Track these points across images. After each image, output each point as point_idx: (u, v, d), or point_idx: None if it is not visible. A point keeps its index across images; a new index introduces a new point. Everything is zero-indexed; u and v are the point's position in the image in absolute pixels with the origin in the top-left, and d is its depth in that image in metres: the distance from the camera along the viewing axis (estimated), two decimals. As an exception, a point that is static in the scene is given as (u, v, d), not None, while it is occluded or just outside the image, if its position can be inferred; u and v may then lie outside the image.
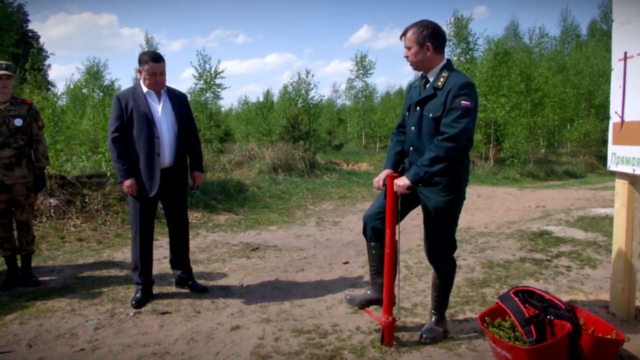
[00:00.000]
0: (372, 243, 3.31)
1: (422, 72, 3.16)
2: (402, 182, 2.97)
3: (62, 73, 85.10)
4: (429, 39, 3.01)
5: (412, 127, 3.13)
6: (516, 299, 3.04)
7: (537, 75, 22.82)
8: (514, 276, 4.56)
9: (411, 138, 3.16)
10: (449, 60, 3.12)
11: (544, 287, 4.19)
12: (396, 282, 3.14)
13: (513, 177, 18.72)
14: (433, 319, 3.29)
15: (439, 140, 2.91)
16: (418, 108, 3.10)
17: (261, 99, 29.31)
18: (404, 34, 3.11)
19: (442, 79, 2.99)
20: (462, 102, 2.87)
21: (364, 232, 3.38)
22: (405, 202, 3.17)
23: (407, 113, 3.24)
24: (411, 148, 3.15)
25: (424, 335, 3.18)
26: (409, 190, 2.98)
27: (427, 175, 2.90)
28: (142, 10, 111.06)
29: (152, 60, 3.88)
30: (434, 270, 3.22)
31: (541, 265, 4.93)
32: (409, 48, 3.08)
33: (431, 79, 3.08)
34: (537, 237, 6.19)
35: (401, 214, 3.15)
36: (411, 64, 3.13)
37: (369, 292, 3.39)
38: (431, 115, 3.00)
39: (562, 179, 19.98)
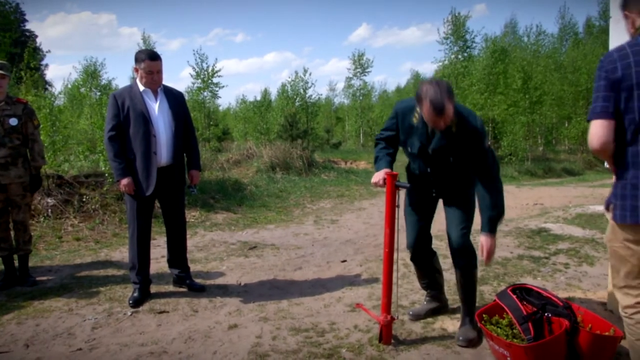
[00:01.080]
0: (421, 266, 3.56)
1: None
2: (490, 241, 2.99)
3: (60, 73, 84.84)
4: (453, 94, 2.83)
5: (429, 169, 3.19)
6: (514, 296, 3.03)
7: (537, 73, 22.83)
8: (512, 274, 4.56)
9: (431, 180, 3.24)
10: None
11: (542, 284, 4.18)
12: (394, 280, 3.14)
13: (511, 175, 18.73)
14: (467, 322, 3.25)
15: (487, 183, 2.97)
16: (431, 150, 3.09)
17: (259, 98, 29.32)
18: (441, 112, 2.75)
19: (454, 125, 2.93)
20: (484, 144, 2.96)
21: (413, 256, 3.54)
22: (427, 210, 3.38)
23: (415, 153, 3.18)
24: (434, 192, 3.28)
25: (460, 338, 3.16)
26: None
27: (501, 217, 3.00)
28: (142, 9, 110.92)
29: (149, 59, 3.86)
30: (460, 271, 3.22)
31: (539, 262, 4.93)
32: (447, 119, 2.82)
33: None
34: (535, 234, 6.19)
35: (426, 221, 3.40)
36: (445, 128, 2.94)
37: (425, 302, 3.67)
38: (452, 159, 3.07)
39: (560, 177, 19.99)
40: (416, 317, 3.54)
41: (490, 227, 2.98)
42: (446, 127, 2.91)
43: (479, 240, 3.01)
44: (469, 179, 3.14)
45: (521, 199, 10.17)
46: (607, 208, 2.40)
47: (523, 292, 3.08)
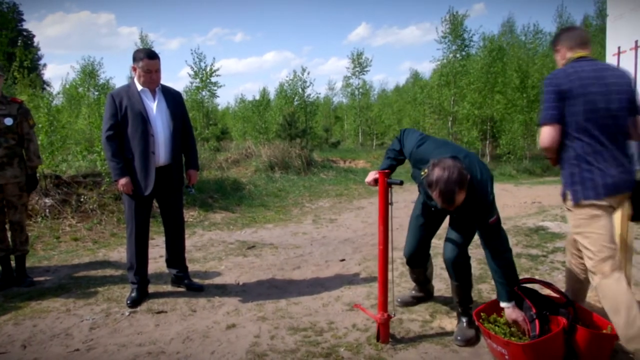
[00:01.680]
0: (415, 269, 3.71)
1: None
2: (516, 312, 2.93)
3: (59, 72, 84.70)
4: (466, 183, 2.73)
5: (432, 208, 3.29)
6: (522, 294, 3.03)
7: (534, 71, 22.79)
8: (510, 272, 4.55)
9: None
10: None
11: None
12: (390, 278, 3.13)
13: (509, 174, 18.70)
14: (464, 321, 3.26)
15: (497, 257, 2.94)
16: (435, 209, 3.28)
17: (257, 97, 29.25)
18: (450, 201, 2.71)
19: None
20: (491, 220, 2.89)
21: (409, 263, 3.68)
22: (434, 221, 3.46)
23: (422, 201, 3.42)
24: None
25: (458, 337, 3.15)
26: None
27: (515, 282, 3.01)
28: (141, 9, 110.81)
29: (147, 57, 3.85)
30: (454, 282, 3.24)
31: (537, 260, 4.93)
32: (457, 205, 2.78)
33: None
34: (533, 232, 6.19)
35: (429, 232, 3.49)
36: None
37: (413, 292, 3.88)
38: (455, 214, 3.15)
39: (558, 175, 19.87)
40: (403, 304, 3.75)
41: (509, 297, 2.95)
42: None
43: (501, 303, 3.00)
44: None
45: (519, 197, 10.17)
46: (564, 199, 2.97)
47: (525, 290, 3.09)
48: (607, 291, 2.68)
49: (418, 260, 3.60)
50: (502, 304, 2.97)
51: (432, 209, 3.31)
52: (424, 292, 3.87)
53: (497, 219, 2.94)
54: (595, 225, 2.76)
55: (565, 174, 2.92)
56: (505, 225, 6.49)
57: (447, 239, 3.22)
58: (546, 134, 2.84)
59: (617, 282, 2.66)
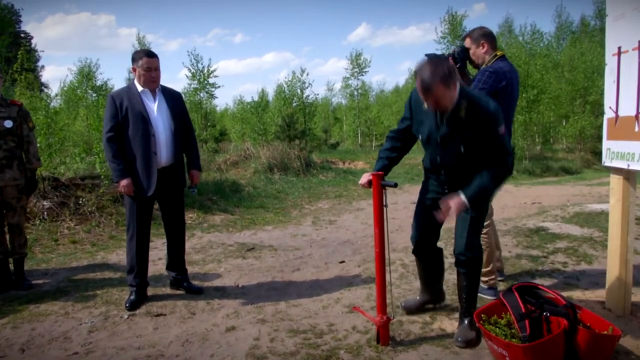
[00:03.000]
0: (421, 261, 3.55)
1: None
2: (458, 200, 2.88)
3: (59, 74, 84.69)
4: (452, 78, 2.76)
5: (438, 158, 3.08)
6: (517, 294, 3.03)
7: (534, 71, 22.82)
8: (510, 273, 4.55)
9: (445, 171, 3.11)
10: (426, 56, 2.98)
11: (540, 283, 4.18)
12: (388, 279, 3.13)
13: (509, 174, 18.75)
14: (465, 322, 3.22)
15: (495, 165, 2.90)
16: (440, 139, 3.00)
17: (256, 99, 29.26)
18: (428, 91, 2.75)
19: (463, 109, 2.86)
20: (500, 130, 2.84)
21: (414, 251, 3.54)
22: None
23: (427, 141, 3.10)
24: (446, 186, 3.13)
25: (459, 339, 3.14)
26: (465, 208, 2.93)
27: (489, 196, 2.95)
28: (141, 9, 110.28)
29: (147, 56, 3.87)
30: (463, 275, 3.19)
31: (537, 261, 4.93)
32: (438, 100, 2.79)
33: (450, 108, 2.88)
34: (533, 233, 6.19)
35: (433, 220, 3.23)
36: (444, 111, 2.89)
37: (418, 297, 3.69)
38: (463, 149, 2.93)
39: (558, 175, 19.99)
40: (407, 309, 3.59)
41: (471, 195, 2.89)
42: (453, 112, 2.87)
43: (447, 200, 2.94)
44: None
45: (519, 198, 10.17)
46: None
47: (526, 290, 3.08)
48: None
49: (424, 249, 3.45)
50: (461, 193, 2.90)
51: (424, 138, 3.10)
52: (431, 295, 3.64)
53: (505, 130, 2.89)
54: None
55: None
56: (505, 226, 6.52)
57: (458, 231, 3.16)
58: None
59: None
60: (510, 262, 4.88)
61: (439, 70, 2.71)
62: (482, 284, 3.84)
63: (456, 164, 3.03)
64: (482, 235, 3.61)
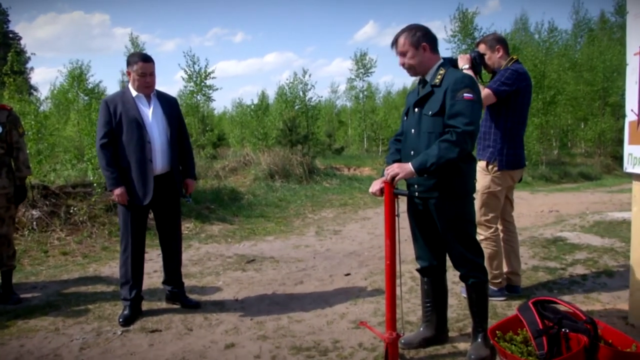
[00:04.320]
0: (425, 279, 3.41)
1: (419, 77, 3.20)
2: (404, 167, 2.92)
3: (49, 76, 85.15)
4: (423, 39, 3.08)
5: (412, 130, 3.13)
6: (534, 309, 3.02)
7: (551, 71, 22.80)
8: (526, 286, 4.54)
9: (410, 141, 3.15)
10: (445, 59, 3.17)
11: (558, 297, 4.17)
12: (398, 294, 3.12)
13: (525, 180, 18.64)
14: (479, 339, 3.20)
15: (447, 134, 2.89)
16: (417, 109, 3.13)
17: (256, 101, 29.31)
18: (395, 42, 3.15)
19: (439, 77, 3.04)
20: (465, 94, 2.90)
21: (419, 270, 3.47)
22: (425, 221, 3.22)
23: (406, 117, 3.26)
24: (412, 152, 3.10)
25: (472, 357, 3.12)
26: (407, 177, 2.95)
27: (433, 166, 2.85)
28: (136, 8, 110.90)
29: (142, 60, 3.90)
30: (468, 287, 3.20)
31: (555, 274, 4.92)
32: (404, 54, 3.11)
33: (428, 79, 3.12)
34: (551, 244, 6.18)
35: (431, 236, 3.25)
36: (409, 69, 3.15)
37: (422, 329, 3.45)
38: (430, 112, 3.01)
39: (576, 182, 19.95)
40: (408, 346, 3.36)
41: (417, 164, 2.89)
42: (430, 80, 3.07)
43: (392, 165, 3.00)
44: (458, 179, 3.04)
45: (535, 206, 10.15)
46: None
47: (543, 305, 3.07)
48: None
49: (430, 265, 3.33)
50: (410, 163, 2.92)
51: (404, 114, 3.29)
52: (435, 329, 3.41)
53: (473, 105, 2.89)
54: None
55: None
56: (520, 236, 6.51)
57: (448, 246, 3.17)
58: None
59: None
60: (526, 275, 4.87)
61: (410, 28, 3.11)
62: (490, 286, 3.94)
63: (419, 132, 3.08)
64: (487, 241, 4.09)
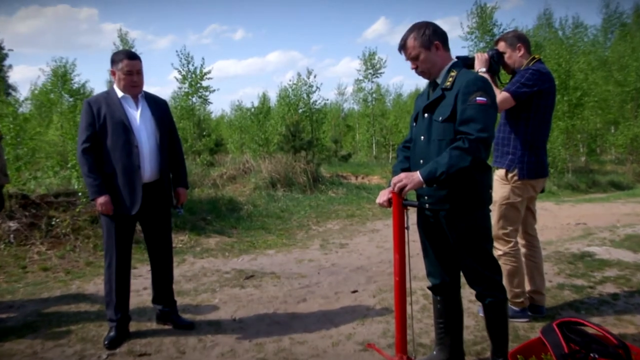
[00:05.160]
0: (437, 297, 3.36)
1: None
2: (412, 177, 2.90)
3: (30, 74, 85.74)
4: (434, 37, 3.03)
5: (422, 137, 3.10)
6: (559, 331, 3.00)
7: (577, 70, 22.81)
8: (551, 306, 4.52)
9: (420, 149, 3.12)
10: (458, 59, 3.15)
11: (586, 319, 4.14)
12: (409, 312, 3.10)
13: (549, 190, 18.62)
14: None
15: (459, 141, 2.86)
16: (426, 115, 3.09)
17: (256, 104, 29.44)
18: (402, 46, 3.10)
19: (450, 79, 2.99)
20: (478, 98, 2.85)
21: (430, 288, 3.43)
22: (437, 235, 3.20)
23: (415, 123, 3.23)
24: (421, 161, 3.08)
25: None
26: (416, 187, 2.93)
27: (443, 175, 2.82)
28: (127, 2, 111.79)
29: (127, 58, 3.91)
30: (485, 307, 3.18)
31: (582, 292, 4.89)
32: (415, 57, 3.06)
33: (439, 81, 3.07)
34: (578, 259, 6.15)
35: (443, 251, 3.22)
36: (423, 74, 3.12)
37: (435, 352, 3.42)
38: (440, 118, 2.98)
39: (606, 191, 19.89)
40: None
41: (425, 169, 2.88)
42: (442, 83, 3.03)
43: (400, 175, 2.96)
44: (471, 189, 3.01)
45: (561, 218, 10.12)
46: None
47: (569, 327, 3.05)
48: None
49: (443, 283, 3.31)
50: (419, 172, 2.89)
51: (413, 119, 3.28)
52: (449, 353, 3.36)
53: (487, 110, 2.85)
54: None
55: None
56: (544, 251, 6.48)
57: (463, 263, 3.15)
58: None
59: None
60: (550, 294, 4.84)
61: (417, 27, 3.06)
62: (511, 306, 3.95)
63: (428, 139, 3.05)
64: (506, 256, 4.04)
